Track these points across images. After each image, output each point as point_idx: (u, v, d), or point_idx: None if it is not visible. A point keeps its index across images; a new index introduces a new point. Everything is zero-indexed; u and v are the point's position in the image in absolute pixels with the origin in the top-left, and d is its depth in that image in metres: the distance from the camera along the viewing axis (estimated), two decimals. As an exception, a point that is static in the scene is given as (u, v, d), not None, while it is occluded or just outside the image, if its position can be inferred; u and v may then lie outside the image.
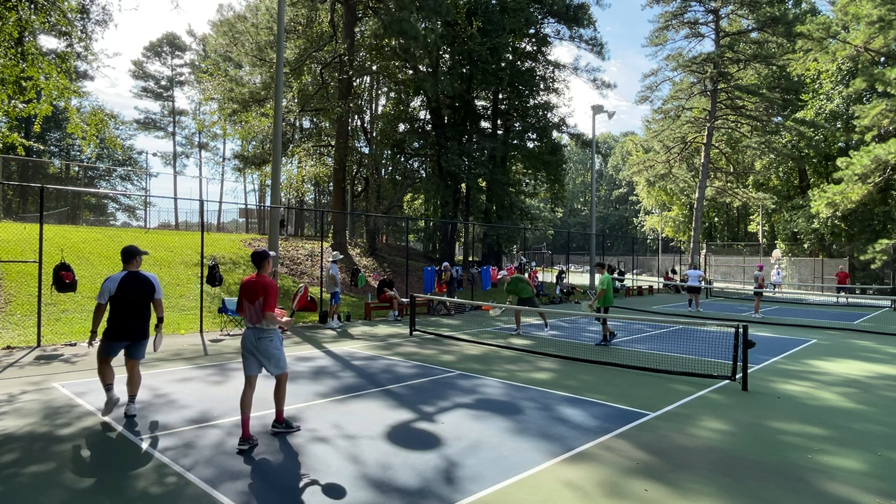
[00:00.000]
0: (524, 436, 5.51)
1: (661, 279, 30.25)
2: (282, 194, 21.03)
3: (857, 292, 31.05)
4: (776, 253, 33.87)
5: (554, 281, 26.14)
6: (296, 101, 24.17)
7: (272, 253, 5.45)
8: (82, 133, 13.31)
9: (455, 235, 32.70)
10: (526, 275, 22.69)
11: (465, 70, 28.79)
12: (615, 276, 27.61)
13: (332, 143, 27.07)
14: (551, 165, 31.39)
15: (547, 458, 4.91)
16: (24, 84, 11.86)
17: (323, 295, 15.74)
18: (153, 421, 5.80)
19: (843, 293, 25.24)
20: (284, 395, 5.47)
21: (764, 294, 25.15)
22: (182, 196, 52.75)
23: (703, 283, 21.06)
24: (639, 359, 9.71)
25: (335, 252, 14.79)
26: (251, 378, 5.21)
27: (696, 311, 18.94)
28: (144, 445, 5.07)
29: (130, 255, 5.91)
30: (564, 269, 27.49)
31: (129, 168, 47.89)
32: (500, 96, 31.18)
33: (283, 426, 5.49)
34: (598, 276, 12.04)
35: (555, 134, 32.50)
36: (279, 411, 5.53)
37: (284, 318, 5.35)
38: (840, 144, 38.09)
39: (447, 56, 29.17)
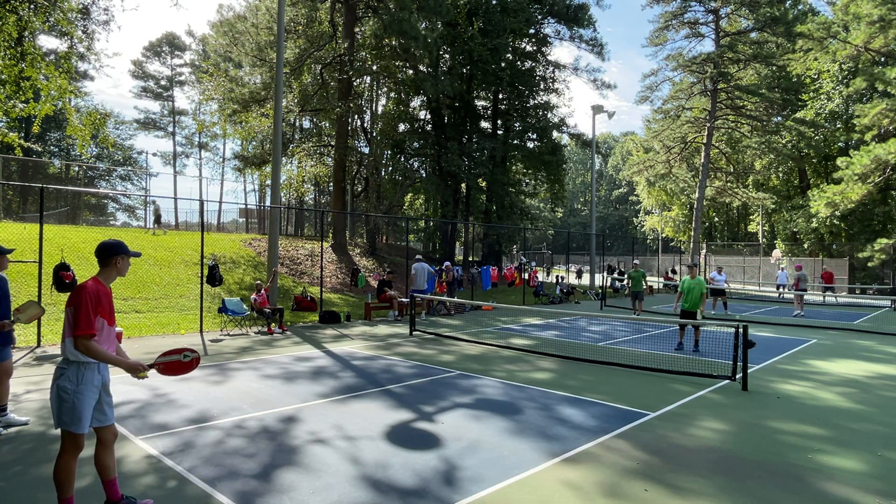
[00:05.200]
0: (524, 436, 5.51)
1: (661, 279, 30.22)
2: (282, 194, 21.07)
3: (858, 292, 31.04)
4: (776, 253, 33.86)
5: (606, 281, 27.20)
6: (296, 101, 24.17)
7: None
8: (81, 134, 13.32)
9: (455, 235, 32.71)
10: (526, 275, 22.81)
11: (465, 70, 28.79)
12: (615, 275, 27.63)
13: (332, 143, 27.07)
14: (551, 165, 31.41)
15: (546, 459, 4.90)
16: (22, 84, 11.87)
17: (324, 295, 15.76)
18: (153, 421, 5.81)
19: (828, 292, 25.20)
20: (63, 473, 3.48)
21: (778, 296, 25.08)
22: (182, 196, 52.75)
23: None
24: (639, 359, 9.71)
25: (418, 256, 17.33)
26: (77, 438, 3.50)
27: (715, 313, 18.53)
28: (144, 445, 5.07)
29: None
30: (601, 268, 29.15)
31: (129, 168, 47.88)
32: (501, 96, 31.18)
33: None
34: (685, 278, 11.00)
35: (555, 134, 32.53)
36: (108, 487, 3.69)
37: (129, 363, 3.52)
38: (840, 144, 38.08)
39: (447, 56, 29.19)
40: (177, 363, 3.77)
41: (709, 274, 20.60)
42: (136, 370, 3.52)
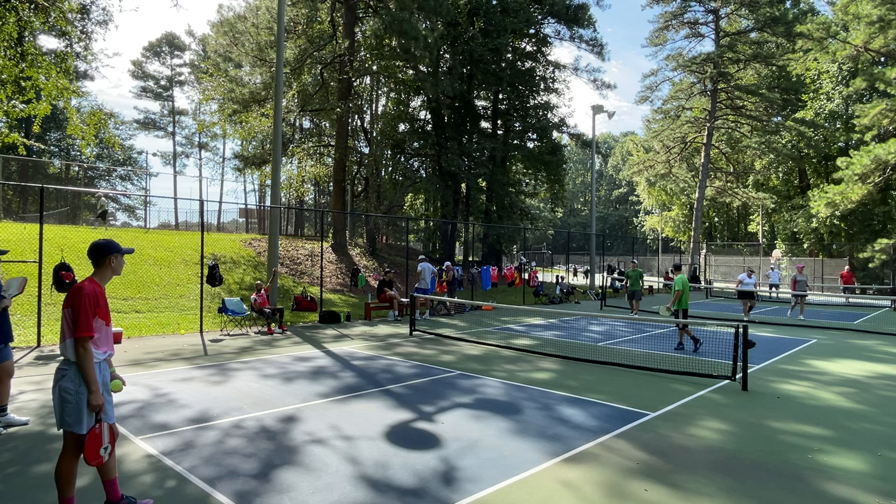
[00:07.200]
0: (524, 436, 5.51)
1: (661, 279, 30.21)
2: (282, 194, 21.06)
3: (858, 292, 31.03)
4: (776, 253, 33.86)
5: (608, 283, 27.22)
6: (296, 101, 24.17)
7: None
8: (81, 134, 13.32)
9: (455, 235, 32.71)
10: (526, 275, 22.82)
11: (465, 70, 28.80)
12: (615, 275, 27.64)
13: (332, 143, 27.07)
14: (551, 165, 31.41)
15: (546, 459, 4.90)
16: (23, 84, 11.86)
17: (324, 295, 15.77)
18: (153, 421, 5.80)
19: (847, 293, 25.19)
20: (64, 473, 3.50)
21: (768, 295, 25.00)
22: (182, 196, 52.76)
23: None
24: (639, 359, 9.71)
25: (422, 256, 17.41)
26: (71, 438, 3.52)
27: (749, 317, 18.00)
28: (144, 445, 5.07)
29: None
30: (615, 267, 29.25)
31: (129, 168, 47.88)
32: (501, 96, 31.18)
33: None
34: (673, 277, 11.30)
35: (555, 134, 32.55)
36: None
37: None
38: (840, 144, 38.08)
39: (448, 56, 29.20)
40: None
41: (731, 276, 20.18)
42: (96, 405, 3.45)
